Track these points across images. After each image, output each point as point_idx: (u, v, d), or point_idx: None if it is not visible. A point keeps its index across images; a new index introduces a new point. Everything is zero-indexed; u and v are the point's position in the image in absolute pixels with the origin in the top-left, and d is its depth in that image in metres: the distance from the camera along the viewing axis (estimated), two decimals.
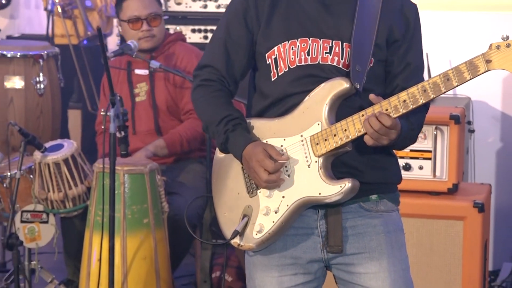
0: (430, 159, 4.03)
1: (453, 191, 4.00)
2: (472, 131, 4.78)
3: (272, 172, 2.73)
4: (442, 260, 3.91)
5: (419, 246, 3.87)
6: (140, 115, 4.99)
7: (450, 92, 4.73)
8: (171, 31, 5.56)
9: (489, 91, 5.00)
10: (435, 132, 4.02)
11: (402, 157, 4.02)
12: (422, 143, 4.04)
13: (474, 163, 4.84)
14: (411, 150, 4.02)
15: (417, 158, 4.05)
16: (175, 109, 4.96)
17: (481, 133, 4.97)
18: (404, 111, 2.68)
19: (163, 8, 5.54)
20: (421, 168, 4.04)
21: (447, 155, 4.01)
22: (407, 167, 4.04)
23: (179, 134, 4.85)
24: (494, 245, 4.78)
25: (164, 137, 4.89)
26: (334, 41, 2.80)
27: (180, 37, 5.16)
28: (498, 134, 5.07)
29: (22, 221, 4.67)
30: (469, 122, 4.66)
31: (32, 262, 4.86)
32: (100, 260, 4.12)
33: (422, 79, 2.81)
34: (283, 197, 2.79)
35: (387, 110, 2.67)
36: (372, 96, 2.69)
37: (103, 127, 4.13)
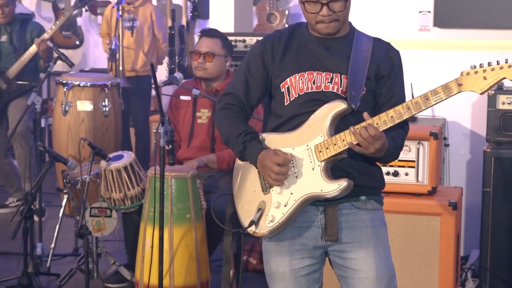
0: (414, 167, 4.00)
1: (432, 193, 3.98)
2: (447, 145, 4.78)
3: (282, 164, 2.73)
4: (423, 248, 3.87)
5: (405, 236, 3.83)
6: (198, 134, 4.90)
7: (430, 114, 4.80)
8: None
9: (460, 114, 4.98)
10: (417, 146, 3.99)
11: (391, 166, 3.98)
12: (408, 154, 4.01)
13: (449, 171, 4.83)
14: (399, 160, 3.86)
15: (403, 166, 4.01)
16: None
17: (454, 147, 4.95)
18: (391, 124, 2.68)
19: None
20: (406, 174, 4.01)
21: (427, 164, 3.98)
22: (396, 174, 4.00)
23: (229, 155, 4.75)
24: (465, 235, 4.72)
25: (217, 153, 4.81)
26: (334, 74, 2.80)
27: None
28: (467, 147, 5.04)
29: (91, 216, 4.66)
30: (445, 138, 4.65)
31: (99, 248, 4.90)
32: (152, 246, 4.11)
33: None
34: (291, 193, 2.78)
35: (377, 124, 2.66)
36: (365, 114, 2.69)
37: (154, 141, 4.11)
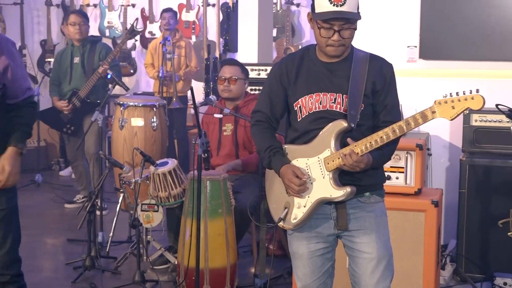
0: (403, 172, 3.98)
1: (418, 193, 3.96)
2: (430, 154, 4.75)
3: (299, 185, 2.77)
4: (410, 238, 3.85)
5: (396, 228, 3.78)
6: (224, 144, 4.92)
7: (416, 129, 4.77)
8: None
9: (441, 129, 4.96)
10: (406, 155, 3.96)
11: (385, 171, 3.91)
12: (398, 162, 3.98)
13: (431, 175, 4.81)
14: (391, 167, 3.97)
15: (394, 171, 3.98)
16: (248, 144, 4.87)
17: (436, 156, 4.93)
18: (376, 146, 2.68)
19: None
20: (397, 178, 3.98)
21: (414, 170, 3.95)
22: (388, 178, 3.95)
23: (251, 160, 4.78)
24: (444, 228, 4.70)
25: (242, 159, 4.82)
26: (337, 94, 2.78)
27: (255, 96, 5.00)
28: (447, 156, 5.01)
29: (142, 210, 4.67)
30: (428, 149, 4.63)
31: (148, 236, 4.89)
32: (191, 235, 4.09)
33: (398, 113, 2.83)
34: (308, 197, 2.81)
35: (366, 147, 2.67)
36: (349, 140, 2.71)
37: (193, 150, 4.12)
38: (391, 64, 2.86)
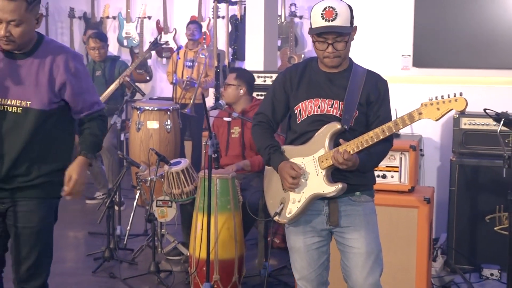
0: (397, 171, 3.96)
1: (411, 191, 3.95)
2: (423, 155, 4.74)
3: (294, 177, 2.78)
4: (404, 232, 3.84)
5: (391, 223, 3.79)
6: (232, 146, 4.90)
7: (409, 132, 4.78)
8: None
9: (433, 131, 4.94)
10: (400, 156, 3.95)
11: (381, 170, 3.95)
12: (393, 162, 3.96)
13: (424, 174, 4.79)
14: (387, 166, 3.95)
15: (390, 171, 3.96)
16: (254, 146, 4.84)
17: (428, 156, 4.90)
18: (367, 145, 2.68)
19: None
20: (392, 177, 3.97)
21: (408, 169, 3.94)
22: (384, 176, 3.96)
23: (258, 161, 4.75)
24: (436, 223, 4.68)
25: (250, 159, 4.80)
26: (334, 100, 2.80)
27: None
28: (438, 157, 4.99)
29: (156, 206, 4.66)
30: (421, 150, 4.61)
31: (162, 230, 4.90)
32: (202, 229, 4.10)
33: None
34: (302, 192, 2.82)
35: (357, 146, 2.68)
36: (341, 140, 2.73)
37: (204, 151, 4.11)
38: (385, 80, 2.88)
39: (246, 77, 4.94)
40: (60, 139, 2.88)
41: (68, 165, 2.84)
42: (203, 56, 7.44)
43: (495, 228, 4.41)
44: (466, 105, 2.61)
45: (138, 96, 6.13)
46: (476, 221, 4.45)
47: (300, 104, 2.84)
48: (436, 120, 2.64)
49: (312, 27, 2.75)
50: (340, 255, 2.90)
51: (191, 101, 7.15)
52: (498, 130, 3.50)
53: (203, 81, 7.47)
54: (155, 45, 6.46)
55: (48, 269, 2.92)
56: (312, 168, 2.80)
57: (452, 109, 2.61)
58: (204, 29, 8.69)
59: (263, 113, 2.95)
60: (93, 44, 6.43)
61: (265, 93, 5.63)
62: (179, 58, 7.41)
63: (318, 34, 2.72)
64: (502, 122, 3.46)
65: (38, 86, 2.75)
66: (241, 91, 4.86)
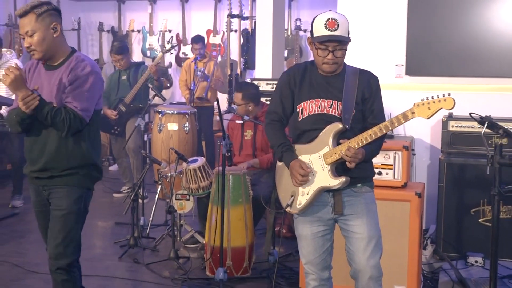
0: (392, 169, 3.94)
1: (404, 186, 3.93)
2: (414, 154, 4.72)
3: (303, 175, 2.79)
4: (398, 224, 3.82)
5: (386, 216, 3.76)
6: (245, 146, 4.91)
7: (402, 133, 4.77)
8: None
9: (424, 133, 4.92)
10: (394, 155, 3.94)
11: (377, 168, 3.92)
12: (388, 160, 3.95)
13: (415, 171, 4.78)
14: (382, 164, 3.93)
15: (384, 168, 3.94)
16: (265, 147, 4.86)
17: (419, 155, 4.88)
18: (366, 142, 2.71)
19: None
20: (387, 174, 3.95)
21: (401, 167, 3.92)
22: (380, 173, 3.93)
23: (267, 159, 4.78)
24: (426, 215, 4.65)
25: (260, 158, 4.82)
26: (333, 101, 2.80)
27: None
28: (428, 156, 4.95)
29: (176, 199, 4.67)
30: (413, 149, 4.59)
31: (181, 221, 4.91)
32: (216, 220, 4.12)
33: (383, 116, 2.83)
34: (310, 186, 2.83)
35: (358, 144, 2.69)
36: (341, 140, 2.74)
37: (218, 150, 4.12)
38: (377, 77, 2.88)
39: (251, 95, 4.89)
40: (87, 139, 2.96)
41: (96, 163, 3.01)
42: (215, 54, 7.46)
43: (479, 220, 4.39)
44: (454, 104, 2.60)
45: (159, 101, 6.16)
46: (462, 213, 4.43)
47: (302, 103, 2.84)
48: (428, 118, 2.63)
49: (315, 35, 2.75)
50: (345, 241, 2.90)
51: (206, 88, 7.12)
52: (482, 132, 3.49)
53: (217, 75, 7.45)
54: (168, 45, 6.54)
55: (75, 252, 2.99)
56: (318, 164, 2.81)
57: (442, 108, 2.59)
58: (218, 41, 8.71)
59: (274, 111, 2.93)
60: (114, 58, 6.53)
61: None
62: (197, 68, 7.40)
63: (320, 42, 2.73)
64: (486, 125, 3.45)
65: (58, 93, 2.86)
66: (250, 107, 4.87)
